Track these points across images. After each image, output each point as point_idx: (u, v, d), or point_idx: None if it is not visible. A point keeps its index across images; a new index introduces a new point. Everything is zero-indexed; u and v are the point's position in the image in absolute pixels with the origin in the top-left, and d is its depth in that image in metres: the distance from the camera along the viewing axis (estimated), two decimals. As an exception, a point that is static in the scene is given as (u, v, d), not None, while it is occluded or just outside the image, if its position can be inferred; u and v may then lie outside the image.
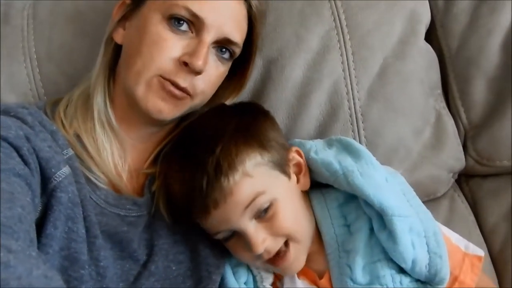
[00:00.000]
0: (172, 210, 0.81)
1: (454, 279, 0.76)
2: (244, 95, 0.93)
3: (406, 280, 0.75)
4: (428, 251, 0.74)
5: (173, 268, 0.78)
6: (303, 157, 0.83)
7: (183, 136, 0.83)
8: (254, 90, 0.93)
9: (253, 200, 0.74)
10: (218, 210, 0.74)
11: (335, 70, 0.92)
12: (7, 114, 0.73)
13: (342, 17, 0.93)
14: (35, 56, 0.93)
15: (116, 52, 0.83)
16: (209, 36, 0.77)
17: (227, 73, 0.84)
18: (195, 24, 0.77)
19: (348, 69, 0.92)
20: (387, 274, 0.74)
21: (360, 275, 0.75)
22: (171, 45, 0.76)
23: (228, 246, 0.80)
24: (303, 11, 0.93)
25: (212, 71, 0.79)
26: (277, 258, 0.77)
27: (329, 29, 0.92)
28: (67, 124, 0.79)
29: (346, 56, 0.92)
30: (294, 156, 0.82)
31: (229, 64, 0.83)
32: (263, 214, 0.75)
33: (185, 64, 0.76)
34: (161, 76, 0.76)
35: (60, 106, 0.81)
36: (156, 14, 0.77)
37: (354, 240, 0.77)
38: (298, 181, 0.82)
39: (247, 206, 0.74)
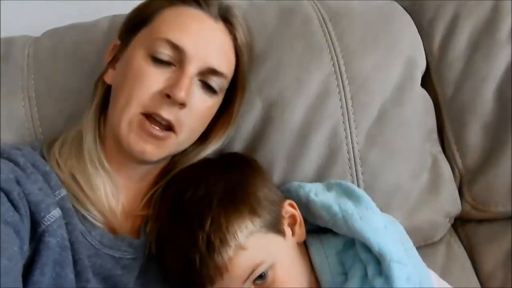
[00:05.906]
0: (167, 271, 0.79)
1: None
2: (244, 136, 0.92)
3: None
4: None
5: None
6: (297, 209, 0.82)
7: (171, 191, 0.81)
8: (254, 132, 0.93)
9: (251, 273, 0.73)
10: (215, 285, 0.73)
11: (334, 113, 0.92)
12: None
13: (341, 62, 0.94)
14: (34, 95, 0.92)
15: (108, 93, 0.82)
16: (191, 67, 0.75)
17: (217, 107, 0.83)
18: (177, 56, 0.76)
19: (347, 113, 0.92)
20: None
21: None
22: (153, 80, 0.75)
23: None
24: (304, 56, 0.94)
25: (198, 104, 0.77)
26: None
27: (329, 74, 0.93)
28: (62, 163, 0.78)
29: (345, 100, 0.93)
30: (288, 210, 0.81)
31: (219, 98, 0.82)
32: (262, 280, 0.74)
33: (168, 97, 0.74)
34: (143, 113, 0.75)
35: (56, 146, 0.81)
36: (140, 50, 0.77)
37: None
38: (293, 233, 0.80)
39: (245, 279, 0.73)
